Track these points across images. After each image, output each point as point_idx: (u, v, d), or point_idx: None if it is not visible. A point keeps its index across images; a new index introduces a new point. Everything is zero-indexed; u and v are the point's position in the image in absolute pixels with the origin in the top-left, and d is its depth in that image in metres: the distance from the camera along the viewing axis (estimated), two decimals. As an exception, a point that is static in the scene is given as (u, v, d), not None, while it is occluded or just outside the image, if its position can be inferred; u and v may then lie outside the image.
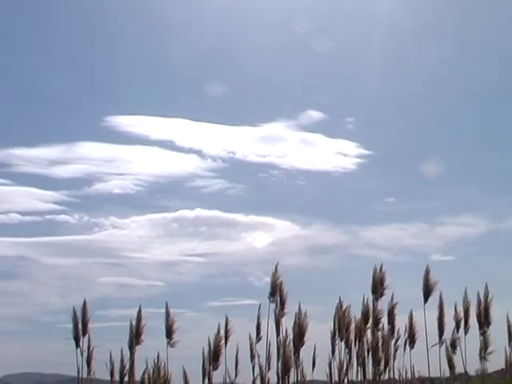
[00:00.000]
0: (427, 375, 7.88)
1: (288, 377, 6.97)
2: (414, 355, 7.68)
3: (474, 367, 7.99)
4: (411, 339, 7.29)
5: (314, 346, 7.51)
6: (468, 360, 7.60)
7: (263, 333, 7.19)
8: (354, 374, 7.42)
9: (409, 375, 7.68)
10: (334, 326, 7.31)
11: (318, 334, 7.83)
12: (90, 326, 7.22)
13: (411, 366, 7.64)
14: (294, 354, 6.88)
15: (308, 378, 7.55)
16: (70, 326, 7.23)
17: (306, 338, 6.98)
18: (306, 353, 7.43)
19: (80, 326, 7.10)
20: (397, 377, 7.55)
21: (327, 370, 7.44)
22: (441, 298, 7.27)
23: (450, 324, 7.58)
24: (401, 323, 7.64)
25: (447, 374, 7.61)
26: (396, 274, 7.64)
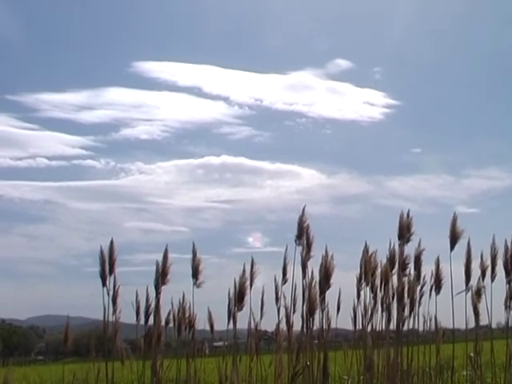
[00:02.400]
0: (451, 326, 7.86)
1: (313, 319, 6.96)
2: (438, 306, 7.63)
3: (499, 319, 7.95)
4: (437, 284, 7.24)
5: (339, 291, 7.48)
6: (493, 311, 7.53)
7: (289, 275, 7.17)
8: (379, 319, 7.40)
9: (433, 324, 7.65)
10: (361, 270, 7.28)
11: (343, 282, 7.81)
12: (116, 269, 7.21)
13: (436, 315, 7.59)
14: (320, 296, 6.85)
15: (332, 324, 7.53)
16: (96, 269, 7.23)
17: (331, 282, 6.95)
18: (330, 301, 7.40)
19: (107, 264, 7.08)
20: (421, 323, 7.53)
21: (351, 314, 7.43)
22: (469, 244, 7.20)
23: (475, 274, 7.51)
24: (426, 271, 7.59)
25: (472, 325, 7.56)
26: (420, 224, 7.57)
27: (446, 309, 7.61)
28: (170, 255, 7.26)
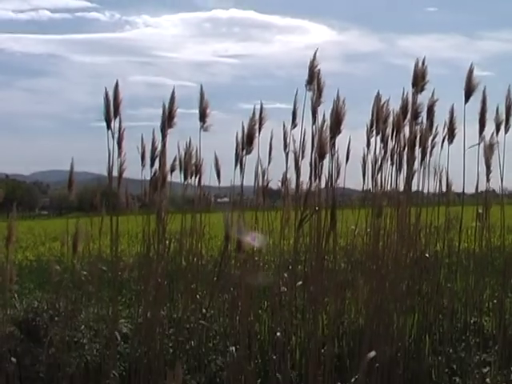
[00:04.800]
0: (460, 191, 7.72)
1: (321, 166, 6.77)
2: (449, 164, 7.45)
3: (505, 185, 7.77)
4: (450, 133, 7.03)
5: (349, 138, 7.29)
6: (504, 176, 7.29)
7: (298, 120, 6.94)
8: (389, 170, 7.21)
9: (443, 179, 7.50)
10: (372, 117, 7.06)
11: (352, 141, 7.60)
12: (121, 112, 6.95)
13: (447, 168, 7.41)
14: (330, 140, 6.65)
15: (340, 180, 7.34)
16: (101, 124, 7.00)
17: (342, 127, 6.73)
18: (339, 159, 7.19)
19: (111, 106, 6.86)
20: (431, 177, 7.37)
21: (361, 162, 7.24)
22: (484, 93, 6.94)
23: (489, 129, 7.25)
24: (439, 124, 7.36)
25: (482, 186, 7.39)
26: (432, 84, 7.26)
27: (456, 170, 7.43)
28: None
